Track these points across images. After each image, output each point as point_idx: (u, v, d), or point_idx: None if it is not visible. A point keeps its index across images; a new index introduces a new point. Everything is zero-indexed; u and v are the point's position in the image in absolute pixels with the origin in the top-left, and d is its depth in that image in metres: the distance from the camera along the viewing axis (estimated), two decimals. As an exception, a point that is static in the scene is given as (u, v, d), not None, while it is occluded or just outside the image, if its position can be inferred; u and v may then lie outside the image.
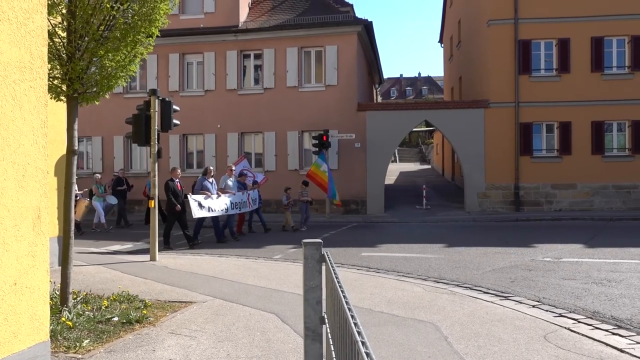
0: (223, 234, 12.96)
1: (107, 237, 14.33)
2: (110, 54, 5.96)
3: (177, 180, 12.24)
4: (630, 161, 18.88)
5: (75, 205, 14.31)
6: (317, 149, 18.76)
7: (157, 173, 10.25)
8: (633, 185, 18.78)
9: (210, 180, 12.98)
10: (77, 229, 14.74)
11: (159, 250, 10.35)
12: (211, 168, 13.55)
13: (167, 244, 12.00)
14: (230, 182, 13.54)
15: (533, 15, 19.15)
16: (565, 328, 5.35)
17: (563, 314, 5.88)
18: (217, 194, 12.76)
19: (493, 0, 19.52)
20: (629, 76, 18.95)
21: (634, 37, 18.84)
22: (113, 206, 16.89)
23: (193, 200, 12.00)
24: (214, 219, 12.77)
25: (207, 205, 12.32)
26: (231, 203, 13.07)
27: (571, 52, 19.07)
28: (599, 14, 18.86)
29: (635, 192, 18.78)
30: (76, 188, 15.00)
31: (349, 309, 1.64)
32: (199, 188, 12.73)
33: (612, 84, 18.92)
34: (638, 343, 4.89)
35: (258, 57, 21.12)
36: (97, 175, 17.04)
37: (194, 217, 11.96)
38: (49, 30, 5.19)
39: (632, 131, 18.96)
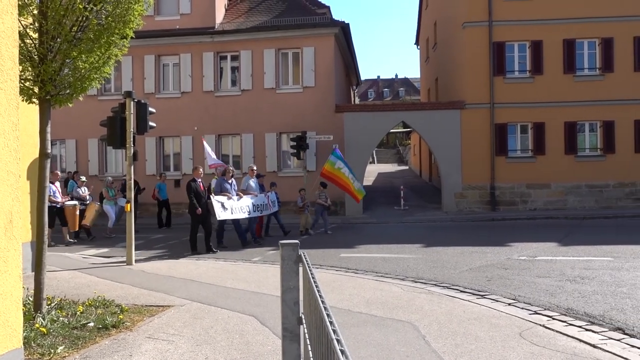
0: (246, 237, 12.49)
1: (109, 243, 13.80)
2: (83, 56, 5.87)
3: (200, 180, 11.61)
4: (602, 161, 19.33)
5: (85, 210, 13.84)
6: (295, 151, 18.77)
7: (132, 176, 10.13)
8: (605, 185, 19.22)
9: (230, 181, 12.35)
10: (87, 234, 14.34)
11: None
12: (231, 168, 12.83)
13: (194, 250, 11.39)
14: (252, 183, 12.99)
15: (507, 17, 19.48)
16: (540, 325, 5.45)
17: (538, 312, 5.99)
18: (238, 195, 12.26)
19: (468, 2, 19.80)
20: (599, 77, 19.40)
21: (604, 40, 19.30)
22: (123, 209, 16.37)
23: (216, 201, 11.51)
24: (236, 221, 12.18)
25: (230, 206, 11.82)
26: (253, 205, 12.55)
27: (544, 54, 19.45)
28: (570, 17, 19.28)
29: (607, 191, 19.22)
30: (86, 190, 14.73)
31: (325, 308, 1.64)
32: (218, 190, 12.09)
33: (584, 85, 19.34)
34: (610, 338, 5.01)
35: (235, 58, 21.03)
36: (109, 178, 16.33)
37: (218, 219, 11.58)
38: (20, 31, 5.09)
39: (603, 131, 19.41)
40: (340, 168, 14.62)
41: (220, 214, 11.50)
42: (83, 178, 15.29)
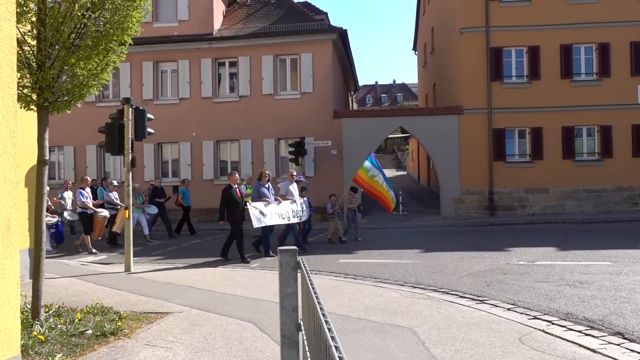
0: (270, 246, 11.67)
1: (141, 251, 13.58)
2: (81, 63, 5.87)
3: (236, 186, 11.12)
4: (600, 165, 19.36)
5: (115, 216, 13.61)
6: (293, 156, 18.78)
7: (131, 182, 10.12)
8: (603, 189, 19.25)
9: (267, 185, 11.76)
10: (113, 241, 13.95)
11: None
12: (267, 172, 12.11)
13: (242, 258, 10.81)
14: (292, 189, 12.39)
15: (504, 23, 19.56)
16: (540, 330, 5.43)
17: (537, 316, 5.98)
18: (277, 201, 11.73)
19: (465, 8, 19.89)
20: (597, 82, 19.47)
21: (601, 45, 19.39)
22: (156, 217, 15.90)
23: (253, 208, 10.92)
24: (264, 229, 11.43)
25: (269, 213, 11.19)
26: (293, 211, 11.92)
27: (541, 59, 19.52)
28: (567, 22, 19.37)
29: (605, 195, 19.24)
30: (116, 196, 14.31)
31: (323, 314, 1.64)
32: (256, 195, 11.54)
33: (581, 90, 19.41)
34: (610, 343, 5.00)
35: (233, 65, 21.08)
36: (136, 185, 15.82)
37: (254, 227, 11.05)
38: (18, 39, 5.09)
39: (601, 136, 19.46)
40: (374, 176, 13.67)
41: (257, 222, 10.89)
42: (115, 182, 14.84)
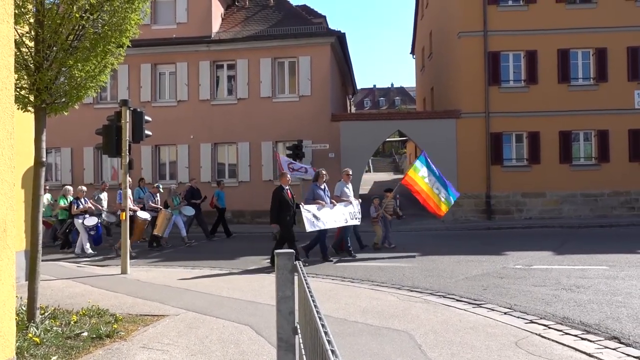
0: (327, 250, 11.13)
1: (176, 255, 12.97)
2: (79, 64, 5.88)
3: (287, 187, 10.58)
4: (597, 170, 19.41)
5: (155, 218, 13.41)
6: (291, 159, 18.75)
7: (128, 185, 10.10)
8: (600, 193, 19.29)
9: (323, 186, 11.16)
10: (155, 244, 13.62)
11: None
12: (324, 172, 11.44)
13: (302, 259, 10.42)
14: (347, 190, 11.67)
15: (502, 27, 19.63)
16: (536, 334, 5.44)
17: (534, 321, 5.98)
18: (331, 203, 11.07)
19: (463, 12, 19.95)
20: (594, 87, 19.54)
21: (598, 50, 19.46)
22: (192, 218, 15.44)
23: (306, 211, 10.41)
24: (321, 231, 10.87)
25: (322, 216, 10.59)
26: (349, 213, 11.26)
27: (539, 64, 19.59)
28: (564, 27, 19.45)
29: (601, 199, 19.29)
30: (158, 199, 13.99)
31: (320, 318, 1.64)
32: (311, 197, 10.99)
33: (578, 95, 19.47)
34: (606, 347, 5.00)
35: (231, 67, 21.09)
36: (173, 185, 15.58)
37: (307, 231, 10.46)
38: (16, 40, 5.09)
39: (598, 140, 19.52)
40: (424, 177, 12.29)
41: (309, 226, 10.34)
42: (160, 187, 14.50)
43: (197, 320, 6.22)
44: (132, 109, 9.99)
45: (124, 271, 9.81)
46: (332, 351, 1.28)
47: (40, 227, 5.97)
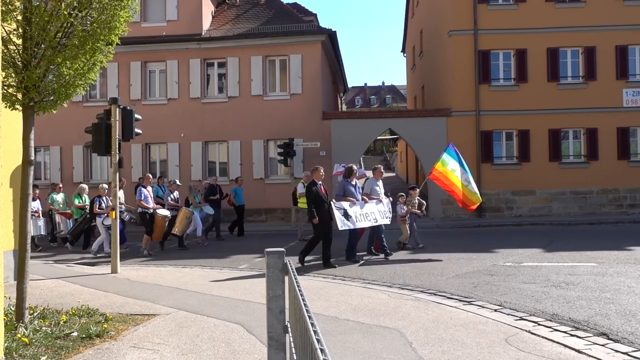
0: (355, 251, 10.67)
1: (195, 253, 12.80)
2: (68, 62, 5.82)
3: (320, 182, 10.13)
4: (586, 167, 19.58)
5: (175, 217, 12.99)
6: (282, 158, 18.75)
7: (117, 183, 10.04)
8: (589, 191, 19.46)
9: (354, 182, 10.74)
10: (180, 244, 13.23)
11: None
12: (355, 167, 11.09)
13: (327, 264, 9.89)
14: (377, 188, 11.24)
15: (492, 26, 19.72)
16: (526, 331, 5.47)
17: (524, 317, 6.02)
18: (363, 200, 10.68)
19: (453, 11, 20.02)
20: (583, 85, 19.69)
21: (587, 49, 19.61)
22: (209, 216, 15.10)
23: (338, 208, 10.03)
24: (352, 231, 10.48)
25: (354, 214, 10.21)
26: (379, 212, 10.82)
27: (528, 63, 19.71)
28: (554, 26, 19.58)
29: (590, 197, 19.46)
30: (177, 196, 13.59)
31: (309, 317, 1.64)
32: (341, 193, 10.52)
33: (568, 93, 19.62)
34: (595, 344, 5.04)
35: (222, 65, 21.02)
36: (192, 183, 15.16)
37: (339, 229, 10.07)
38: (3, 37, 5.04)
39: (587, 138, 19.68)
40: (454, 170, 11.57)
41: (342, 224, 9.98)
42: (177, 182, 14.04)
43: (188, 319, 6.20)
44: (121, 107, 9.92)
45: (114, 270, 9.75)
46: (322, 350, 1.28)
47: (29, 226, 5.92)
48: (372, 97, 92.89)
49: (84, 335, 5.40)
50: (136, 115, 10.27)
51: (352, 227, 10.16)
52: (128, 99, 20.01)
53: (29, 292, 5.90)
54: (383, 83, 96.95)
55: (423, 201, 12.74)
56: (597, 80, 19.56)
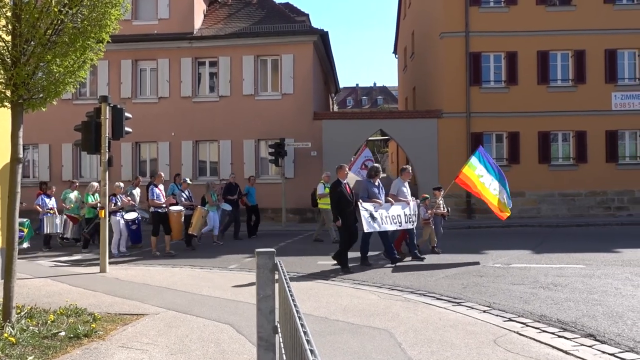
0: (395, 253, 10.20)
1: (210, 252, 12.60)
2: (58, 59, 5.77)
3: (346, 181, 9.74)
4: (575, 170, 19.74)
5: (192, 216, 12.65)
6: (273, 158, 18.73)
7: (107, 182, 9.97)
8: (577, 193, 19.63)
9: (377, 183, 10.19)
10: (189, 243, 12.89)
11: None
12: (379, 167, 10.63)
13: (345, 267, 9.41)
14: (404, 189, 10.64)
15: (483, 28, 19.83)
16: (514, 332, 5.51)
17: (512, 319, 6.06)
18: (387, 202, 10.14)
19: (445, 13, 20.11)
20: (572, 89, 19.86)
21: (576, 52, 19.78)
22: (226, 215, 14.75)
23: (364, 209, 9.52)
24: (382, 233, 9.91)
25: (380, 216, 9.69)
26: (405, 215, 10.23)
27: (519, 65, 19.85)
28: (544, 29, 19.73)
29: (579, 199, 19.62)
30: (189, 194, 13.16)
31: (299, 317, 1.64)
32: (365, 195, 9.95)
33: (557, 96, 19.78)
34: (582, 345, 5.09)
35: (213, 64, 20.96)
36: (209, 181, 14.75)
37: (365, 231, 9.60)
38: (-8, 34, 4.99)
39: (576, 141, 19.84)
40: (481, 176, 10.90)
41: (367, 226, 9.48)
42: (188, 180, 13.74)
43: (177, 319, 6.18)
44: (112, 105, 9.86)
45: (102, 270, 9.69)
46: (311, 351, 1.28)
47: (17, 224, 5.87)
48: (364, 97, 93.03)
49: (71, 335, 5.36)
50: (126, 114, 10.21)
51: (377, 229, 9.68)
52: (118, 97, 19.87)
53: (16, 291, 5.85)
54: (375, 84, 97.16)
55: (446, 208, 12.17)
56: (587, 83, 19.73)
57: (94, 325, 5.67)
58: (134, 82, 20.96)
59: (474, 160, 11.09)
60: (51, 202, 13.61)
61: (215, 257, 11.83)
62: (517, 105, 19.67)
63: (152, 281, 8.73)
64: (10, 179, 5.81)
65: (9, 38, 5.54)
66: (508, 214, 11.15)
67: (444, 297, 7.24)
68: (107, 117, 9.67)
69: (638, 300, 6.73)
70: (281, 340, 2.55)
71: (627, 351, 4.88)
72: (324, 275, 9.22)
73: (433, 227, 11.54)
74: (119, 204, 12.27)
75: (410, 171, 11.19)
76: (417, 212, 10.73)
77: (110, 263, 10.05)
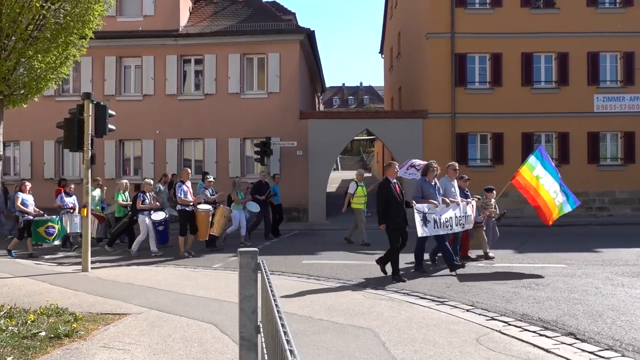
0: (453, 258, 9.26)
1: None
2: (39, 55, 5.71)
3: (395, 181, 8.86)
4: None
5: (213, 215, 12.06)
6: (259, 156, 18.67)
7: (89, 180, 9.86)
8: (559, 194, 19.83)
9: (433, 182, 9.31)
10: (210, 245, 12.43)
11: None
12: (435, 165, 9.44)
13: (397, 275, 8.51)
14: (453, 189, 9.78)
15: (468, 30, 19.97)
16: (497, 331, 5.56)
17: (495, 317, 6.11)
18: (444, 203, 9.27)
19: (431, 14, 20.21)
20: (555, 90, 20.09)
21: (560, 54, 20.02)
22: (254, 215, 14.26)
23: (418, 212, 8.74)
24: (440, 237, 9.13)
25: (433, 219, 8.90)
26: (455, 217, 9.43)
27: (503, 67, 20.03)
28: (528, 32, 19.93)
29: (561, 200, 19.82)
30: (212, 192, 12.40)
31: (280, 317, 1.63)
32: (419, 194, 9.14)
33: (541, 98, 20.00)
34: (562, 343, 5.16)
35: (199, 62, 20.82)
36: (238, 179, 14.12)
37: (419, 235, 8.77)
38: (-29, 29, 4.91)
39: (558, 142, 20.08)
40: (540, 177, 10.05)
41: (422, 230, 8.72)
42: (210, 178, 12.83)
43: (160, 319, 6.13)
44: (95, 102, 9.74)
45: (84, 269, 9.58)
46: (291, 351, 1.28)
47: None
48: (350, 97, 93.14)
49: (52, 335, 5.29)
50: (110, 111, 10.09)
51: (429, 234, 8.90)
52: (102, 94, 19.64)
53: (-5, 291, 5.76)
54: (361, 83, 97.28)
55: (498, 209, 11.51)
56: (570, 85, 19.98)
57: (75, 325, 5.60)
58: (118, 79, 20.75)
59: (532, 159, 10.24)
60: (71, 200, 12.81)
61: (200, 256, 11.74)
62: (501, 106, 19.85)
63: (135, 280, 8.65)
64: (-10, 177, 5.73)
65: (-11, 33, 5.45)
66: (556, 217, 10.36)
67: (428, 297, 7.28)
68: (90, 114, 9.55)
69: (617, 300, 6.84)
70: (263, 341, 2.55)
71: (606, 349, 4.96)
72: (309, 274, 9.22)
73: (484, 229, 10.70)
74: (146, 202, 11.76)
75: (457, 168, 10.17)
76: (467, 214, 9.86)
77: (110, 264, 9.93)
